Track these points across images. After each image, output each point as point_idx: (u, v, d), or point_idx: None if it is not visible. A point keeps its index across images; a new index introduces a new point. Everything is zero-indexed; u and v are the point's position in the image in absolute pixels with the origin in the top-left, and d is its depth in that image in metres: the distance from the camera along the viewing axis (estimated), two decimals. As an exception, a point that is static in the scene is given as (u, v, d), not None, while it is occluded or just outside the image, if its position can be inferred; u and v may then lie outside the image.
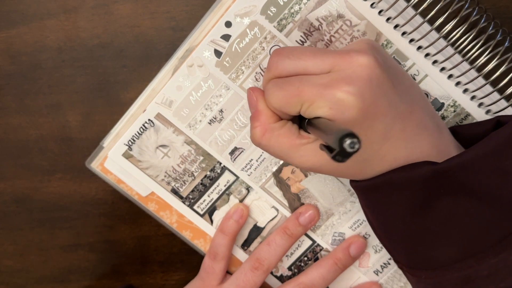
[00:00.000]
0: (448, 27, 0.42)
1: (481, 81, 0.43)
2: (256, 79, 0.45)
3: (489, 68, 0.42)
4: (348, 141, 0.28)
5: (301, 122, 0.40)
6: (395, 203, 0.39)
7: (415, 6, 0.41)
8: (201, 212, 0.49)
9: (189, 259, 0.53)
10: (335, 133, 0.29)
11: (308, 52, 0.38)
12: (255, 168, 0.48)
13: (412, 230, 0.39)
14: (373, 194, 0.40)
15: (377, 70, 0.36)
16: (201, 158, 0.48)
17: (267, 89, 0.39)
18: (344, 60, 0.36)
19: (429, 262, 0.40)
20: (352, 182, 0.42)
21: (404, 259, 0.41)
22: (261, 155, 0.48)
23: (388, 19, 0.43)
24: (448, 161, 0.37)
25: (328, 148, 0.31)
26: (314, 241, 0.50)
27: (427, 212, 0.38)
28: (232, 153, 0.48)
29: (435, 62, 0.43)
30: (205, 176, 0.48)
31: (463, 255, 0.38)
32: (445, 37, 0.42)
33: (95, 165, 0.48)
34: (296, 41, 0.44)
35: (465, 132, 0.42)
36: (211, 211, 0.49)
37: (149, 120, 0.46)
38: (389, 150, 0.38)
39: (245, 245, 0.50)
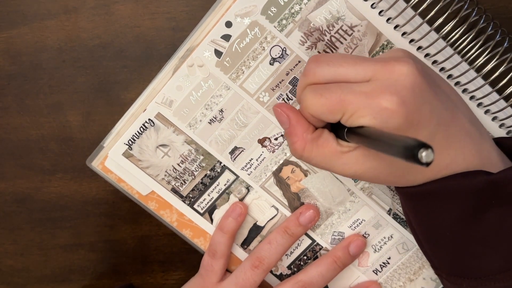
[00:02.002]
0: (448, 27, 0.42)
1: (480, 81, 0.43)
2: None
3: (488, 69, 0.42)
4: (424, 153, 0.27)
5: (337, 130, 0.39)
6: (445, 211, 0.38)
7: (415, 7, 0.42)
8: (201, 211, 0.49)
9: (189, 258, 0.54)
10: (400, 142, 0.29)
11: (349, 60, 0.37)
12: (255, 168, 0.48)
13: (459, 239, 0.39)
14: (422, 200, 0.39)
15: (419, 78, 0.35)
16: (201, 157, 0.48)
17: (305, 95, 0.38)
18: (385, 68, 0.36)
19: (472, 271, 0.39)
20: (399, 189, 0.41)
21: (446, 267, 0.41)
22: (261, 155, 0.48)
23: (388, 19, 0.43)
24: (503, 172, 0.37)
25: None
26: (313, 240, 0.50)
27: (476, 222, 0.38)
28: (232, 152, 0.48)
29: (434, 62, 0.43)
30: (205, 175, 0.48)
31: (508, 266, 0.38)
32: (445, 37, 0.42)
33: (95, 164, 0.48)
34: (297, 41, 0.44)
35: (507, 143, 0.42)
36: (211, 210, 0.49)
37: (149, 119, 0.47)
38: None
39: (245, 244, 0.50)
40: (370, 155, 0.38)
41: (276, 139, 0.47)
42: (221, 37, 0.44)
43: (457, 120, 0.38)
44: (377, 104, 0.35)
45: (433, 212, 0.39)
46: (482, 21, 0.42)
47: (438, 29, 0.42)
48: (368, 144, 0.35)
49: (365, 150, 0.38)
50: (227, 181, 0.49)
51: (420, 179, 0.38)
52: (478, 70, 0.43)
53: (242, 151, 0.48)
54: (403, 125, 0.35)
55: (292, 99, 0.46)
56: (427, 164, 0.27)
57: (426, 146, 0.27)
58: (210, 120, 0.47)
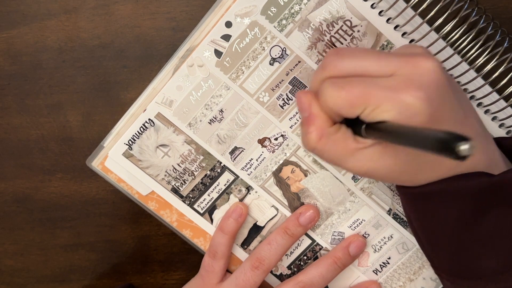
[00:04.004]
0: (448, 27, 0.42)
1: (480, 81, 0.43)
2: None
3: (488, 69, 0.42)
4: (465, 146, 0.25)
5: (352, 126, 0.39)
6: (446, 212, 0.38)
7: (415, 7, 0.42)
8: (201, 211, 0.49)
9: (189, 258, 0.54)
10: (434, 135, 0.28)
11: (371, 53, 0.36)
12: (255, 168, 0.48)
13: (460, 240, 0.39)
14: (423, 201, 0.39)
15: (443, 75, 0.35)
16: (201, 157, 0.48)
17: (324, 88, 0.37)
18: (409, 63, 0.35)
19: (471, 272, 0.39)
20: (401, 189, 0.41)
21: (446, 267, 0.41)
22: (260, 155, 0.48)
23: (388, 19, 0.43)
24: (505, 174, 0.37)
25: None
26: (313, 240, 0.50)
27: (477, 223, 0.38)
28: (232, 152, 0.48)
29: (434, 62, 0.43)
30: (205, 175, 0.48)
31: (508, 267, 0.38)
32: (445, 37, 0.42)
33: (95, 164, 0.48)
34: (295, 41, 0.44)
35: (507, 143, 0.42)
36: (211, 210, 0.49)
37: (149, 119, 0.47)
38: None
39: (245, 244, 0.50)
40: (386, 152, 0.37)
41: (276, 139, 0.47)
42: (221, 37, 0.44)
43: (469, 119, 0.38)
44: (402, 99, 0.34)
45: (435, 212, 0.39)
46: (482, 21, 0.42)
47: (438, 29, 0.42)
48: (391, 139, 0.34)
49: (381, 148, 0.37)
50: (227, 181, 0.49)
51: (431, 178, 0.38)
52: (478, 70, 0.43)
53: (242, 151, 0.48)
54: (426, 122, 0.34)
55: (292, 99, 0.46)
56: (464, 158, 0.26)
57: (466, 139, 0.26)
58: (210, 120, 0.47)
